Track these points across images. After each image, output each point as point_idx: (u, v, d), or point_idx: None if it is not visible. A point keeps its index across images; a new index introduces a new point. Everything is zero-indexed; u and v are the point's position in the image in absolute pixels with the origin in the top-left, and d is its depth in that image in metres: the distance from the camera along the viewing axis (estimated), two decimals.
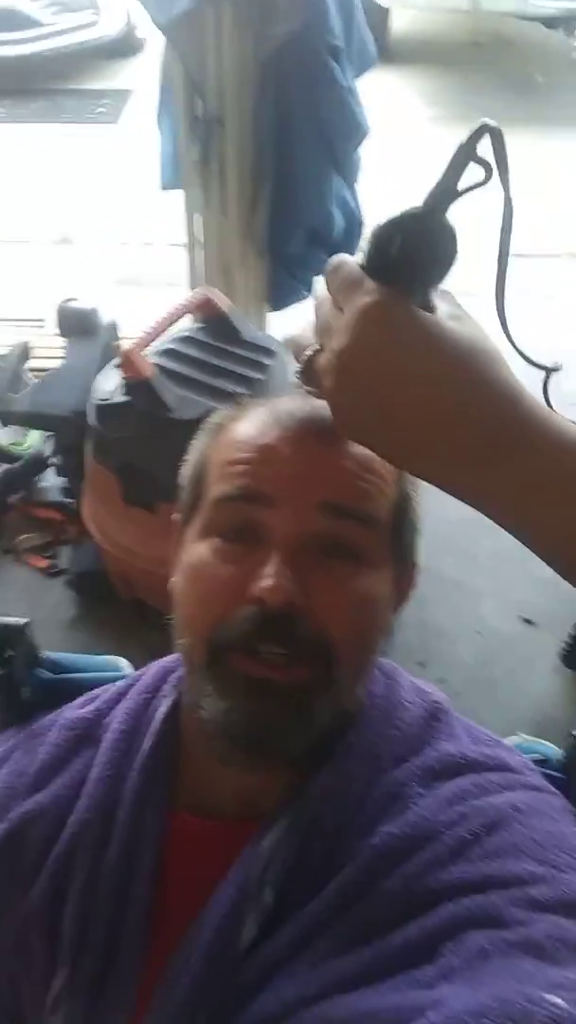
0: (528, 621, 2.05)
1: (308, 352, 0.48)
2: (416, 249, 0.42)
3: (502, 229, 0.44)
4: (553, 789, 0.56)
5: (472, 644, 1.99)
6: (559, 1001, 0.38)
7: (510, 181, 0.42)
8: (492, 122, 0.40)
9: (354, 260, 0.45)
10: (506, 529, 0.44)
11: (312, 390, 0.50)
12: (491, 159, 0.41)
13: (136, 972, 0.52)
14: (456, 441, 0.42)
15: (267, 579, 0.49)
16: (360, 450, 0.54)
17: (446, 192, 0.41)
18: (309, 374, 0.48)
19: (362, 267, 0.44)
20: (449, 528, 2.27)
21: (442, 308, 0.44)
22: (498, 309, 0.47)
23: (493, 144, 0.41)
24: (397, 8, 4.98)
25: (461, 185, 0.41)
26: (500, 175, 0.41)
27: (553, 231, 3.65)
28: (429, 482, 0.45)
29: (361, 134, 2.15)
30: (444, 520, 2.26)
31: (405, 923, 0.45)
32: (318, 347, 0.47)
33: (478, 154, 0.41)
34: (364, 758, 0.54)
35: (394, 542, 0.57)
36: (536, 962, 0.41)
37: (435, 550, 2.20)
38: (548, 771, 0.61)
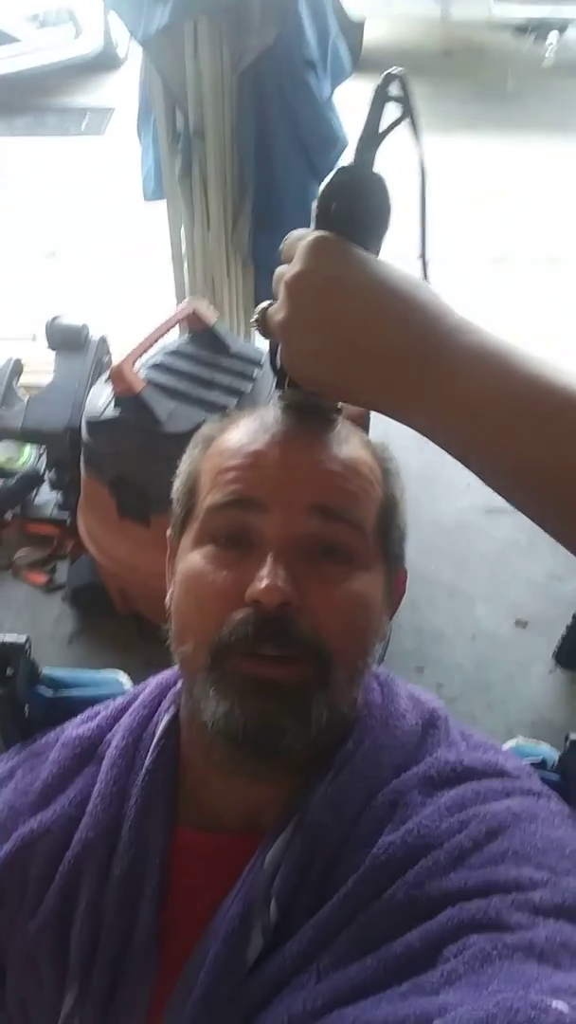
0: (522, 623, 2.06)
1: (263, 305, 0.52)
2: (352, 199, 0.48)
3: (420, 171, 0.52)
4: (552, 793, 0.56)
5: (468, 648, 2.00)
6: (563, 1007, 0.38)
7: (420, 123, 0.49)
8: (397, 69, 0.47)
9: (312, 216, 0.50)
10: (447, 446, 0.46)
11: (268, 337, 0.54)
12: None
13: (145, 990, 0.52)
14: (394, 349, 0.45)
15: (262, 580, 0.50)
16: (346, 454, 0.56)
17: (369, 140, 0.48)
18: (263, 323, 0.52)
19: (317, 218, 0.49)
20: (442, 533, 2.29)
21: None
22: (421, 252, 0.54)
23: (403, 89, 0.48)
24: (371, 19, 5.02)
25: (381, 129, 0.48)
26: (411, 118, 0.48)
27: (526, 236, 3.68)
28: (375, 405, 0.48)
29: (340, 144, 2.17)
30: (437, 525, 2.30)
31: (408, 931, 0.46)
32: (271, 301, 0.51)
33: (390, 95, 0.47)
34: (363, 768, 0.54)
35: (383, 545, 0.58)
36: (538, 966, 0.41)
37: (429, 555, 2.22)
38: (546, 774, 0.62)
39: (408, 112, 0.48)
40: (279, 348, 0.52)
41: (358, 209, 0.48)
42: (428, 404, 0.45)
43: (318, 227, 0.49)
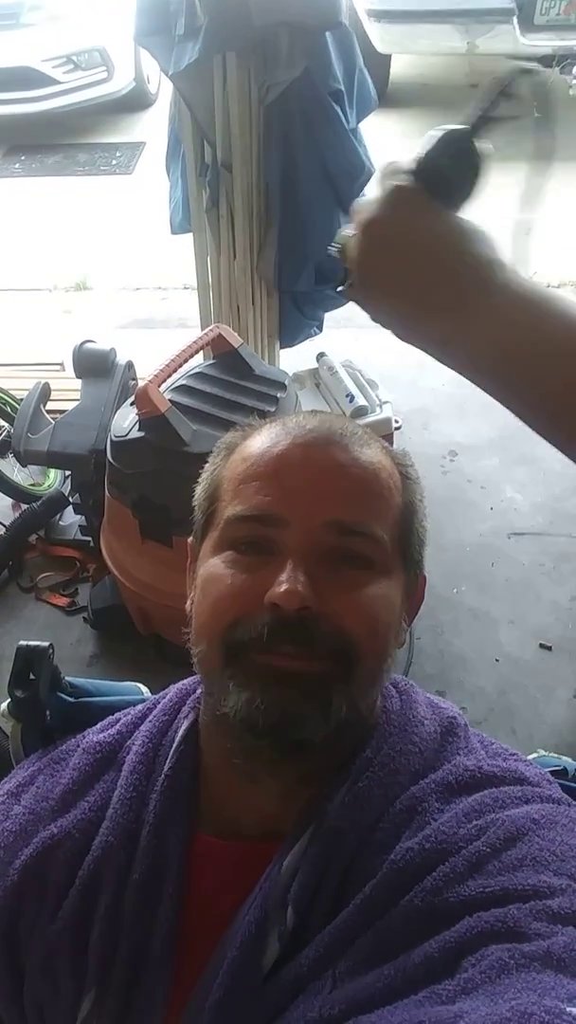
0: (546, 647, 2.04)
1: (346, 232, 0.57)
2: (450, 159, 0.52)
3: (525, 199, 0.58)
4: (571, 801, 0.56)
5: (491, 672, 1.98)
6: None
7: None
8: (528, 65, 0.51)
9: (407, 162, 0.54)
10: (485, 377, 0.53)
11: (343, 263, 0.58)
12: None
13: (162, 995, 0.52)
14: (445, 293, 0.52)
15: (281, 585, 0.51)
16: (365, 460, 0.57)
17: (483, 120, 0.52)
18: (342, 250, 0.58)
19: (411, 165, 0.53)
20: (465, 557, 2.28)
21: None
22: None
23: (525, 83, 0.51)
24: (396, 54, 5.12)
25: (495, 113, 0.52)
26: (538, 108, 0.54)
27: (550, 262, 3.69)
28: (424, 335, 0.54)
29: (365, 174, 2.21)
30: (460, 549, 2.29)
31: (425, 939, 0.45)
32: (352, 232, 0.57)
33: (511, 91, 0.51)
34: (382, 775, 0.54)
35: (402, 550, 0.58)
36: (556, 975, 0.41)
37: (451, 578, 2.20)
38: (567, 783, 0.61)
39: (521, 111, 0.53)
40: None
41: (453, 171, 0.52)
42: (467, 337, 0.51)
43: (410, 172, 0.53)
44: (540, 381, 0.50)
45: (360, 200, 0.56)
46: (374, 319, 0.57)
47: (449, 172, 0.52)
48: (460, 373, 0.53)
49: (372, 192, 0.56)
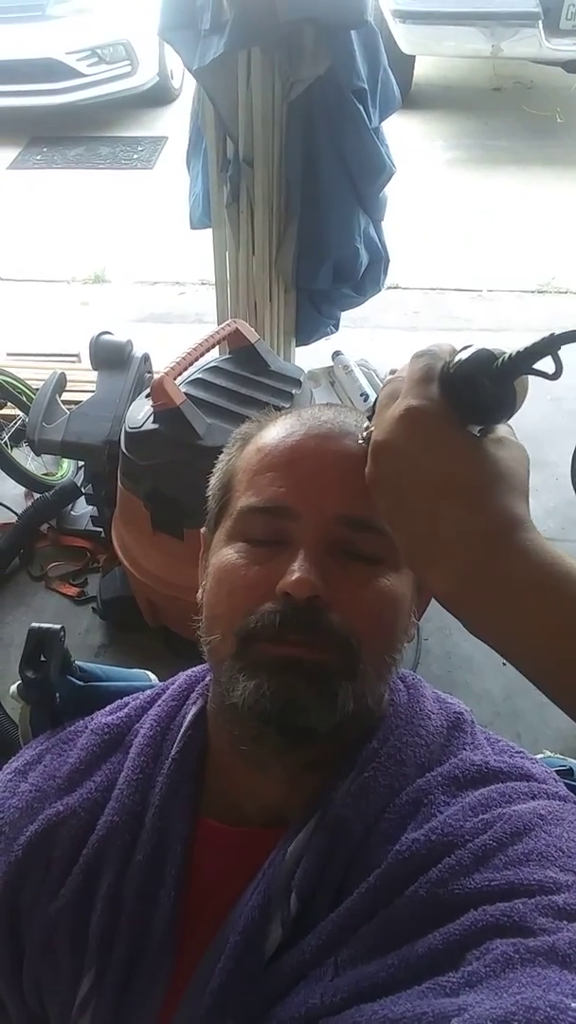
0: None
1: (366, 431, 0.52)
2: (485, 392, 0.46)
3: None
4: None
5: (498, 675, 1.97)
6: None
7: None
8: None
9: (445, 358, 0.48)
10: (477, 632, 0.47)
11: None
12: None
13: (162, 977, 0.52)
14: (451, 547, 0.46)
15: (293, 574, 0.51)
16: None
17: (524, 359, 0.44)
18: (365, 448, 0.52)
19: (444, 370, 0.47)
20: None
21: (492, 433, 0.48)
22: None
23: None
24: (420, 55, 5.12)
25: (536, 366, 0.45)
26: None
27: (571, 267, 3.68)
28: (423, 577, 0.48)
29: (387, 173, 2.21)
30: None
31: (430, 930, 0.45)
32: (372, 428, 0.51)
33: (558, 353, 0.44)
34: (388, 766, 0.55)
35: None
36: (561, 971, 0.41)
37: None
38: (572, 783, 0.61)
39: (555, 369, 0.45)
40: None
41: (487, 394, 0.46)
42: (468, 608, 0.46)
43: (447, 376, 0.47)
44: (536, 659, 0.45)
45: (381, 394, 0.50)
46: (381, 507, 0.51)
47: (483, 394, 0.46)
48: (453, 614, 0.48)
49: (397, 384, 0.48)
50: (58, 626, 0.64)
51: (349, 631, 0.53)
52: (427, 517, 0.46)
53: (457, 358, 0.47)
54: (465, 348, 0.48)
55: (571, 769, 0.65)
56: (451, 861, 0.48)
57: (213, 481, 0.64)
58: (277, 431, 0.59)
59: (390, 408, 0.48)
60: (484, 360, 0.46)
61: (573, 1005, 0.38)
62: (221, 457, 0.64)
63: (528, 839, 0.49)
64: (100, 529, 2.21)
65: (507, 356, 0.45)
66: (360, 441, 0.54)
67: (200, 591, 0.61)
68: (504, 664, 1.91)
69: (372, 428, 0.50)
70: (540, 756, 0.68)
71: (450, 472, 0.46)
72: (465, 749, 0.58)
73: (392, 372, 0.52)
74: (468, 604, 0.46)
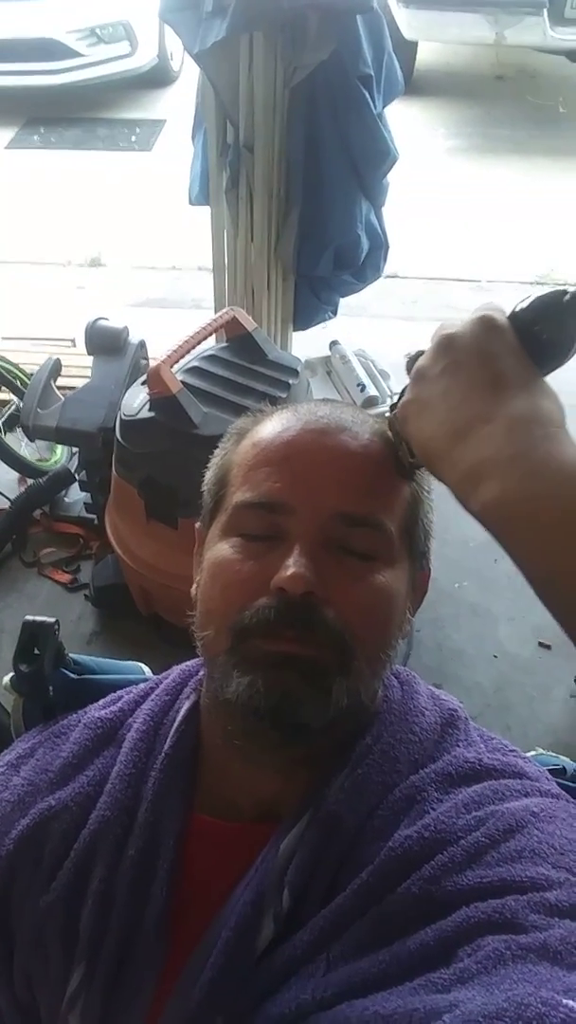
0: (545, 646, 2.04)
1: (419, 350, 0.55)
2: (550, 321, 0.49)
3: None
4: (569, 797, 0.56)
5: (489, 668, 1.98)
6: (575, 1005, 0.38)
7: None
8: None
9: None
10: (499, 527, 0.47)
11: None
12: None
13: (153, 972, 0.52)
14: (507, 429, 0.47)
15: (287, 569, 0.51)
16: (375, 450, 0.57)
17: None
18: (410, 363, 0.55)
19: (512, 311, 0.51)
20: (467, 552, 2.28)
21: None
22: None
23: None
24: (423, 42, 5.07)
25: None
26: None
27: (572, 256, 3.67)
28: (460, 459, 0.48)
29: (390, 159, 2.19)
30: (464, 544, 2.29)
31: (422, 926, 0.46)
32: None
33: None
34: (381, 762, 0.55)
35: (408, 541, 0.59)
36: (552, 967, 0.41)
37: (453, 573, 2.20)
38: (565, 782, 0.62)
39: None
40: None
41: (551, 332, 0.49)
42: (502, 479, 0.46)
43: (515, 313, 0.50)
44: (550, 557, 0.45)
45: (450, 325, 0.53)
46: (411, 440, 0.53)
47: (547, 331, 0.49)
48: (472, 513, 0.48)
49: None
50: (52, 619, 0.64)
51: (343, 627, 0.53)
52: (482, 403, 0.48)
53: (522, 305, 0.51)
54: (525, 299, 0.51)
55: (564, 768, 0.65)
56: (444, 858, 0.48)
57: (208, 476, 0.63)
58: (273, 426, 0.59)
59: (449, 329, 0.51)
60: (555, 296, 0.49)
61: (564, 1001, 0.38)
62: (216, 452, 0.64)
63: (520, 836, 0.49)
64: (94, 516, 2.21)
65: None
66: (405, 356, 0.56)
67: (194, 586, 0.61)
68: (496, 657, 1.92)
69: (421, 351, 0.53)
70: (532, 753, 0.68)
71: (513, 365, 0.48)
72: (459, 746, 0.58)
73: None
74: (521, 504, 0.45)
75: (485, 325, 0.50)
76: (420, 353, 0.54)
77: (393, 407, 0.57)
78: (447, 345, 0.50)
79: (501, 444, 0.46)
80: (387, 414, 0.59)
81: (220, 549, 0.57)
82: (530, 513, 0.45)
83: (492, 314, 0.50)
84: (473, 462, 0.47)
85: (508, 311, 0.51)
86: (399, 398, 0.55)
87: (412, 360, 0.54)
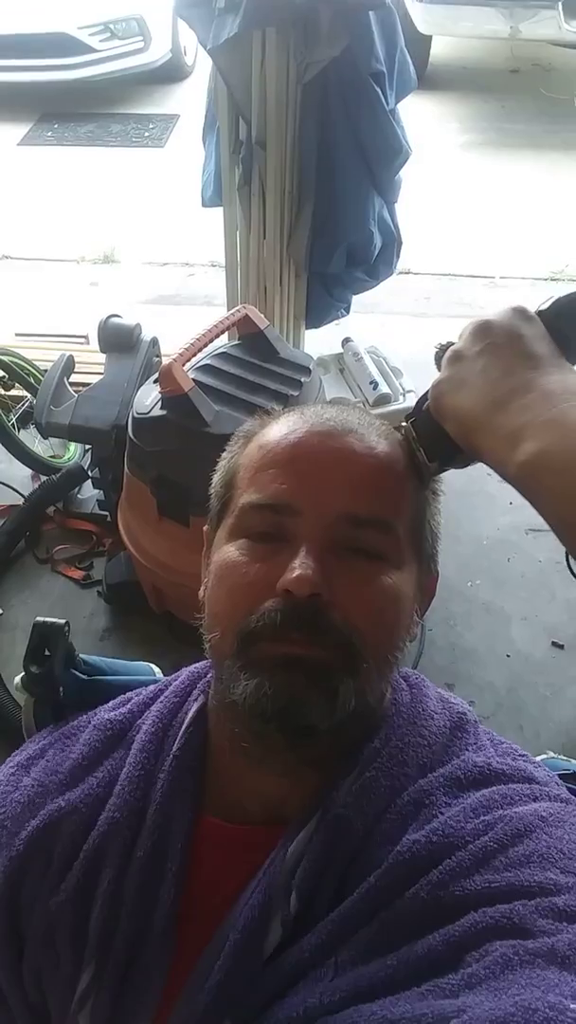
0: (558, 645, 2.03)
1: (448, 341, 0.59)
2: (571, 320, 0.55)
3: None
4: None
5: (501, 667, 1.97)
6: None
7: None
8: None
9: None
10: (512, 470, 0.51)
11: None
12: None
13: (161, 974, 0.52)
14: (544, 399, 0.51)
15: (293, 571, 0.51)
16: (381, 451, 0.57)
17: None
18: (440, 352, 0.59)
19: (539, 309, 0.57)
20: (482, 551, 2.27)
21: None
22: None
23: None
24: (437, 36, 5.04)
25: None
26: None
27: None
28: (499, 425, 0.52)
29: (402, 156, 2.18)
30: (477, 543, 2.28)
31: (429, 931, 0.46)
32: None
33: None
34: (389, 766, 0.54)
35: (415, 543, 0.59)
36: (560, 972, 0.41)
37: (467, 572, 2.20)
38: (574, 786, 0.61)
39: None
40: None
41: (570, 328, 0.55)
42: (541, 439, 0.49)
43: (538, 312, 0.56)
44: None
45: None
46: (452, 404, 0.56)
47: (567, 329, 0.55)
48: (509, 476, 0.52)
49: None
50: (62, 621, 0.64)
51: (350, 629, 0.53)
52: (520, 377, 0.52)
53: (544, 305, 0.56)
54: (547, 299, 0.56)
55: (574, 772, 0.64)
56: (452, 862, 0.48)
57: (215, 479, 0.63)
58: (280, 428, 0.59)
59: (485, 317, 0.56)
60: (573, 297, 0.55)
61: (572, 1006, 0.38)
62: (224, 455, 0.64)
63: (529, 841, 0.49)
64: (106, 513, 2.21)
65: None
66: (436, 346, 0.60)
67: (202, 588, 0.61)
68: (508, 656, 1.91)
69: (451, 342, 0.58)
70: (542, 757, 0.67)
71: (545, 348, 0.53)
72: (467, 750, 0.57)
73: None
74: (558, 456, 0.48)
75: (519, 313, 0.55)
76: (450, 343, 0.58)
77: (409, 416, 0.59)
78: (485, 329, 0.55)
79: (539, 410, 0.50)
80: (403, 423, 0.59)
81: (227, 551, 0.57)
82: (566, 462, 0.48)
83: (524, 305, 0.56)
84: (514, 427, 0.50)
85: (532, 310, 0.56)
86: (417, 406, 0.59)
87: (443, 349, 0.59)
